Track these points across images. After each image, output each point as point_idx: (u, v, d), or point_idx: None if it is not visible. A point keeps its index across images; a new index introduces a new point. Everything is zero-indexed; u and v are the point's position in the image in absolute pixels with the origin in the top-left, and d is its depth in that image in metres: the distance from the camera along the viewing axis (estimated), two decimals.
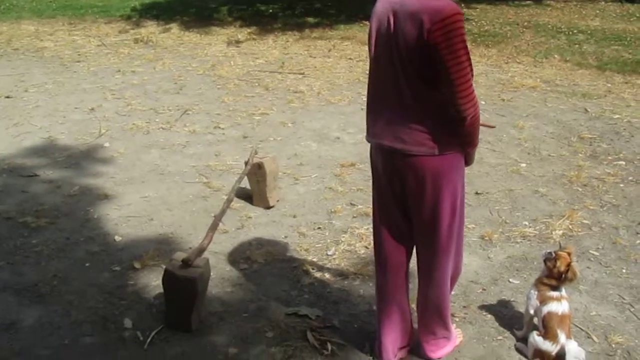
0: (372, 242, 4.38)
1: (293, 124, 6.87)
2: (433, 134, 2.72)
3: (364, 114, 2.98)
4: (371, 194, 3.53)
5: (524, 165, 5.84)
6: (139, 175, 5.52)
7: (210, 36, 11.24)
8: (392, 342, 3.21)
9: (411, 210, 2.96)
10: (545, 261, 3.37)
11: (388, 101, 2.78)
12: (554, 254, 3.33)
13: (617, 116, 7.24)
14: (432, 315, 3.20)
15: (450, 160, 2.81)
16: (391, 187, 2.94)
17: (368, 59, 2.90)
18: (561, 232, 4.61)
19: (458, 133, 2.75)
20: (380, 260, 3.18)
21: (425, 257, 3.07)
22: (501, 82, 8.64)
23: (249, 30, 12.00)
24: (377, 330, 3.26)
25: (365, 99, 3.00)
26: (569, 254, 3.30)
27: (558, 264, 3.28)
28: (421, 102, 2.70)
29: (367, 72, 2.92)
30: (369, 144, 3.01)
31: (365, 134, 3.01)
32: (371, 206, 5.00)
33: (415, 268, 3.17)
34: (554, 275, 3.30)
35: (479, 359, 3.31)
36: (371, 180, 3.12)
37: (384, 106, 2.80)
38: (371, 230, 4.52)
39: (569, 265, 3.25)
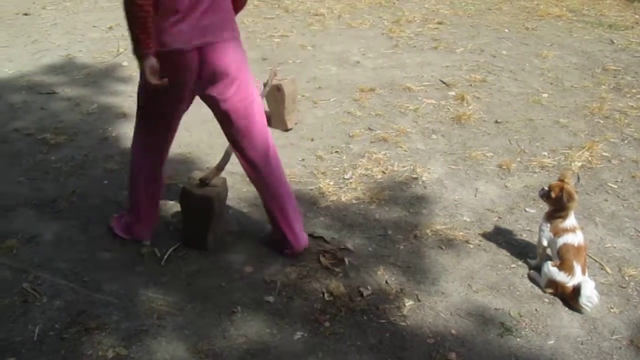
0: (389, 167, 4.40)
1: (313, 47, 6.77)
2: (235, 22, 3.11)
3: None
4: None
5: (545, 95, 5.75)
6: None
7: None
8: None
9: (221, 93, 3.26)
10: (542, 198, 3.39)
11: (195, 4, 2.90)
12: (546, 188, 3.37)
13: None
14: None
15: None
16: (199, 82, 3.21)
17: None
18: (580, 163, 4.57)
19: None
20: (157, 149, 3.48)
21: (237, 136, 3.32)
22: (526, 10, 8.43)
23: None
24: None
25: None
26: (563, 180, 3.32)
27: (552, 194, 3.29)
28: None
29: None
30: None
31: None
32: (388, 132, 4.98)
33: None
34: (556, 206, 3.31)
35: (492, 286, 3.34)
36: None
37: (192, 10, 2.89)
38: (388, 155, 4.55)
39: (562, 189, 3.25)
